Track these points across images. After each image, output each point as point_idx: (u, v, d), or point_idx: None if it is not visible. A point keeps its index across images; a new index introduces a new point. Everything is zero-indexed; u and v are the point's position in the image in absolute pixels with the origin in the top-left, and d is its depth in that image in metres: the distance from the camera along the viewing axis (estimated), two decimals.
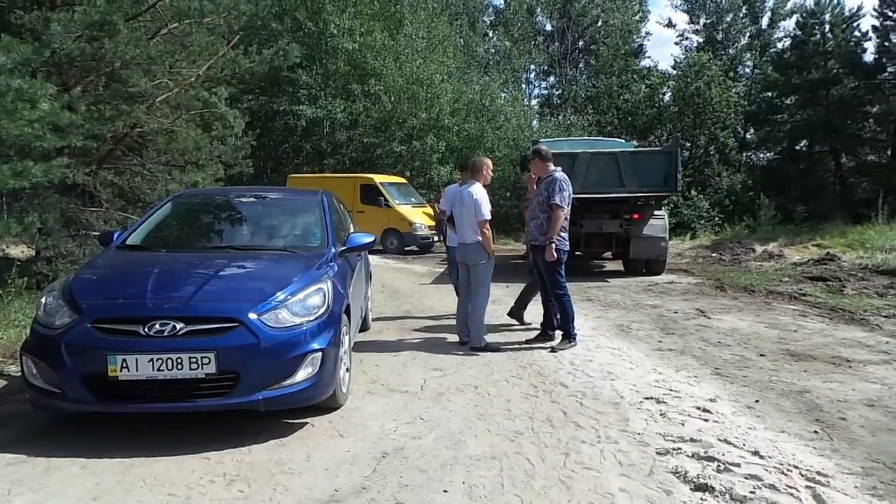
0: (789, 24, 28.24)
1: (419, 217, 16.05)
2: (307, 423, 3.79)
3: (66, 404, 3.46)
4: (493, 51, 30.88)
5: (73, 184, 7.55)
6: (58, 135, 6.46)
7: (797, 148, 25.99)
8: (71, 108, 6.78)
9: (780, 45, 28.60)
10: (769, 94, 26.64)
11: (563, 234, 5.61)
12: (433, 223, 15.33)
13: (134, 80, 7.78)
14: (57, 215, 7.44)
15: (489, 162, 6.08)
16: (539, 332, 6.06)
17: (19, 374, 3.77)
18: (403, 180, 18.42)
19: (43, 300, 3.71)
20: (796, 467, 3.21)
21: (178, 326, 3.37)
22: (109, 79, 8.03)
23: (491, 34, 33.24)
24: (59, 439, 3.52)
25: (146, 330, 3.35)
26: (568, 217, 5.64)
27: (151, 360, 3.29)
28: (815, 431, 3.72)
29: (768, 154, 27.66)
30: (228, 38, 9.60)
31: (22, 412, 3.89)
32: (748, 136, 28.58)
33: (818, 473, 3.14)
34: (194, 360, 3.32)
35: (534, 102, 33.51)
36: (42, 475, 3.10)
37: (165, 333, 3.35)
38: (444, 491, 2.98)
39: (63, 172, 6.42)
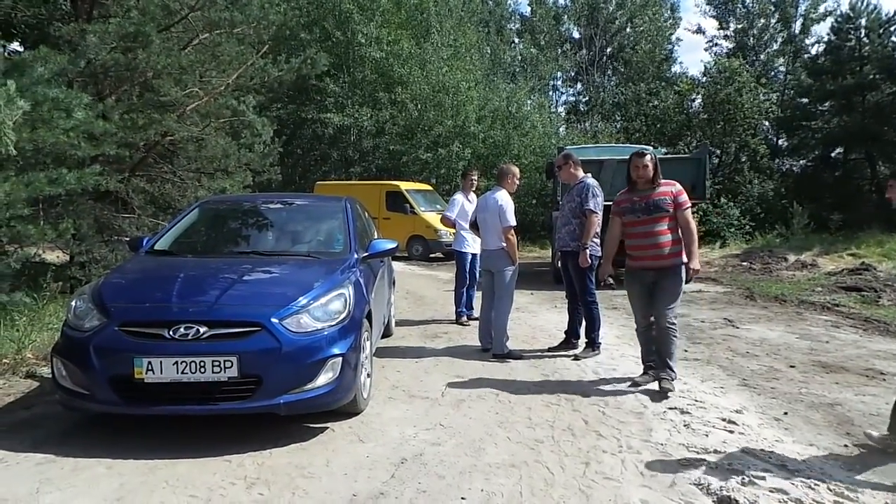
0: (822, 29, 27.70)
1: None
2: (328, 427, 3.81)
3: (93, 405, 3.54)
4: (519, 58, 30.86)
5: (107, 191, 7.75)
6: (92, 143, 6.65)
7: (832, 155, 25.39)
8: (105, 118, 6.97)
9: (813, 51, 28.04)
10: (803, 100, 26.08)
11: (595, 239, 5.57)
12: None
13: (165, 89, 7.98)
14: (91, 221, 7.64)
15: (516, 170, 6.07)
16: (563, 339, 6.01)
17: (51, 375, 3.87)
18: (429, 187, 18.48)
19: (73, 303, 3.81)
20: (824, 481, 3.12)
21: (202, 330, 3.43)
22: (143, 88, 8.25)
23: (517, 41, 33.26)
24: (86, 440, 3.60)
25: (171, 333, 3.42)
26: (600, 223, 5.58)
27: (176, 363, 3.36)
28: (846, 445, 3.61)
29: (801, 161, 27.06)
30: (258, 48, 9.78)
31: (53, 413, 3.99)
32: (780, 142, 28.02)
33: (847, 488, 3.05)
34: (217, 363, 3.37)
35: (560, 109, 33.44)
36: (70, 475, 3.17)
37: (189, 337, 3.41)
38: (462, 498, 2.97)
39: (96, 180, 6.60)
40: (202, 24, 8.53)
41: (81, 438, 3.63)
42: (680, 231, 4.59)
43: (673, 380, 4.64)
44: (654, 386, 4.66)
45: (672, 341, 4.64)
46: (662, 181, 4.65)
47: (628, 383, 4.79)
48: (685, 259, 4.59)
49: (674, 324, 4.63)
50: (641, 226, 4.64)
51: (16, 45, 8.29)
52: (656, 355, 4.75)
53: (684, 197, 4.64)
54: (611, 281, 5.25)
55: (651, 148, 15.66)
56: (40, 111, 5.49)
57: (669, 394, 4.50)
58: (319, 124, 22.07)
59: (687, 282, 4.72)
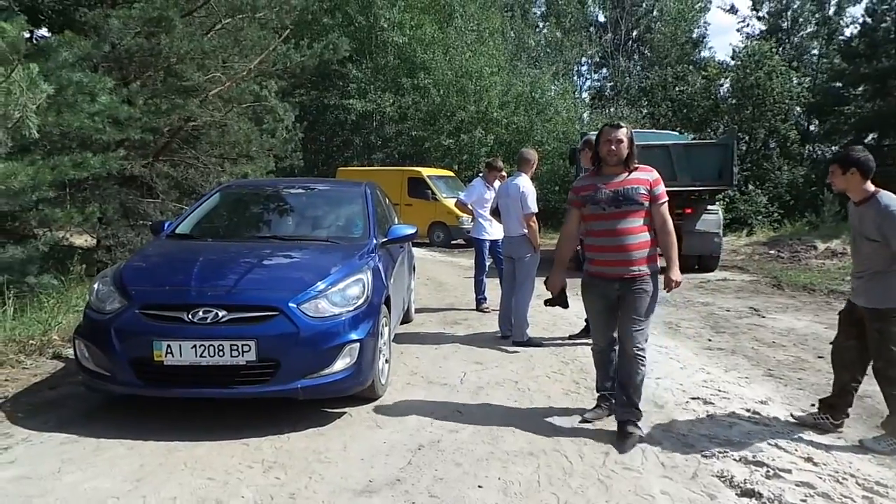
0: (857, 11, 26.82)
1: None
2: (345, 412, 3.81)
3: (115, 387, 3.58)
4: (543, 42, 30.47)
5: (132, 175, 7.85)
6: (117, 128, 6.72)
7: (865, 141, 24.66)
8: (130, 102, 7.03)
9: (847, 33, 27.18)
10: (836, 84, 25.34)
11: None
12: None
13: (188, 74, 8.01)
14: (116, 206, 7.74)
15: (534, 153, 6.04)
16: (584, 327, 5.93)
17: None
18: (451, 174, 18.39)
19: (95, 286, 3.85)
20: (853, 476, 3.03)
21: (221, 314, 3.44)
22: (166, 73, 8.29)
23: (542, 25, 32.83)
24: (109, 421, 3.64)
25: (190, 317, 3.43)
26: None
27: (194, 346, 3.37)
28: (874, 437, 3.50)
29: (833, 147, 26.34)
30: (280, 33, 9.77)
31: (77, 394, 4.05)
32: (812, 128, 27.31)
33: (877, 483, 2.95)
34: (235, 347, 3.38)
35: (585, 95, 32.99)
36: (91, 455, 3.22)
37: (208, 320, 3.42)
38: (479, 486, 2.94)
39: (121, 164, 6.68)
40: (224, 9, 8.53)
41: (104, 419, 3.68)
42: (656, 231, 3.54)
43: (639, 420, 3.55)
44: (609, 424, 3.64)
45: (638, 372, 3.50)
46: (639, 166, 3.60)
47: (578, 419, 3.77)
48: (660, 265, 3.57)
49: (643, 350, 3.50)
50: (606, 221, 3.52)
51: (43, 31, 8.38)
52: (618, 388, 3.62)
53: (662, 188, 3.57)
54: (558, 304, 4.06)
55: (676, 133, 15.39)
56: (65, 95, 5.54)
57: (631, 439, 3.41)
58: (342, 110, 22.11)
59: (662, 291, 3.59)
